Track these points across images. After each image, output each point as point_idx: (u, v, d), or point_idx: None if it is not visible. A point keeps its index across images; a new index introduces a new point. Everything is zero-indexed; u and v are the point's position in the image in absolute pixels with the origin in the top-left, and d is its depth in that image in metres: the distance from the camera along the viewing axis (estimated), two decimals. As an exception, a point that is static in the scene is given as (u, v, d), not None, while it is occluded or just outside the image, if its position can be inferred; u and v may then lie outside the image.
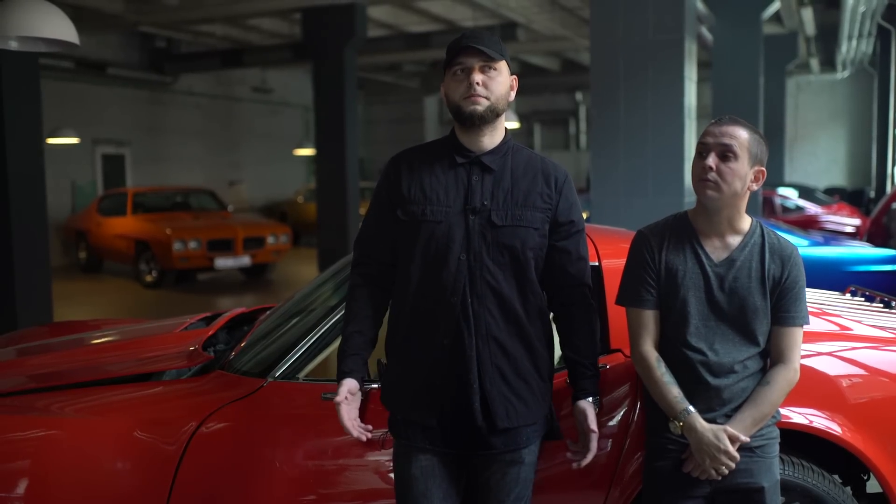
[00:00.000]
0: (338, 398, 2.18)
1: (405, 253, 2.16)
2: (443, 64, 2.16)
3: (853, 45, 17.12)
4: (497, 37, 2.17)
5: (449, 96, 2.15)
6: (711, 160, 2.11)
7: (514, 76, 2.21)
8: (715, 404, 2.15)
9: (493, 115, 2.12)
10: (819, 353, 2.53)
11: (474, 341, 2.08)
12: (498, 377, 2.10)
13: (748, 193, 2.16)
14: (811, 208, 13.83)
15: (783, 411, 2.33)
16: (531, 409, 2.15)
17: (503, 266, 2.10)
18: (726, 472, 2.11)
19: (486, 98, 2.09)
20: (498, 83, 2.12)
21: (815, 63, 18.92)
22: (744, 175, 2.13)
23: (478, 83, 2.08)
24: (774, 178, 14.97)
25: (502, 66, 2.14)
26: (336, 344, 2.61)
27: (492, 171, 2.14)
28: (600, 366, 2.48)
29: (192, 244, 10.93)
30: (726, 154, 2.12)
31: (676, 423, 2.13)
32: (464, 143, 2.17)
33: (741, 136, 2.13)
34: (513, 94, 2.18)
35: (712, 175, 2.11)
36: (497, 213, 2.10)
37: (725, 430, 2.10)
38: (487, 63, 2.10)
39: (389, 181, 2.22)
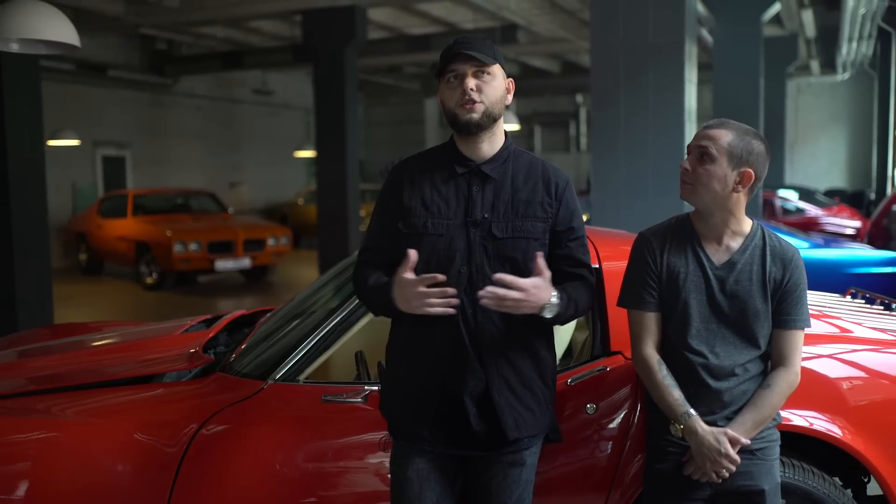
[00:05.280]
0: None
1: None
2: (436, 72, 2.14)
3: (853, 47, 17.15)
4: (490, 40, 2.14)
5: (444, 104, 2.13)
6: (687, 162, 2.16)
7: (510, 79, 2.19)
8: (716, 407, 2.15)
9: (489, 120, 2.10)
10: (820, 356, 2.54)
11: (474, 352, 2.07)
12: (505, 387, 2.09)
13: (741, 196, 2.15)
14: (811, 210, 13.84)
15: (784, 414, 2.33)
16: (538, 418, 2.15)
17: None
18: (727, 474, 2.11)
19: (481, 103, 2.07)
20: (492, 88, 2.09)
21: (815, 65, 18.93)
22: (722, 177, 2.11)
23: (472, 89, 2.06)
24: (775, 180, 14.97)
25: (496, 69, 2.11)
26: (336, 346, 2.61)
27: (492, 180, 2.12)
28: (600, 368, 2.49)
29: (193, 246, 10.93)
30: (702, 156, 2.13)
31: (677, 426, 2.13)
32: (463, 152, 2.14)
33: (720, 138, 2.12)
34: (509, 98, 2.16)
35: (688, 176, 2.14)
36: (497, 224, 2.09)
37: (726, 433, 2.10)
38: (480, 68, 2.08)
39: (392, 192, 2.19)
